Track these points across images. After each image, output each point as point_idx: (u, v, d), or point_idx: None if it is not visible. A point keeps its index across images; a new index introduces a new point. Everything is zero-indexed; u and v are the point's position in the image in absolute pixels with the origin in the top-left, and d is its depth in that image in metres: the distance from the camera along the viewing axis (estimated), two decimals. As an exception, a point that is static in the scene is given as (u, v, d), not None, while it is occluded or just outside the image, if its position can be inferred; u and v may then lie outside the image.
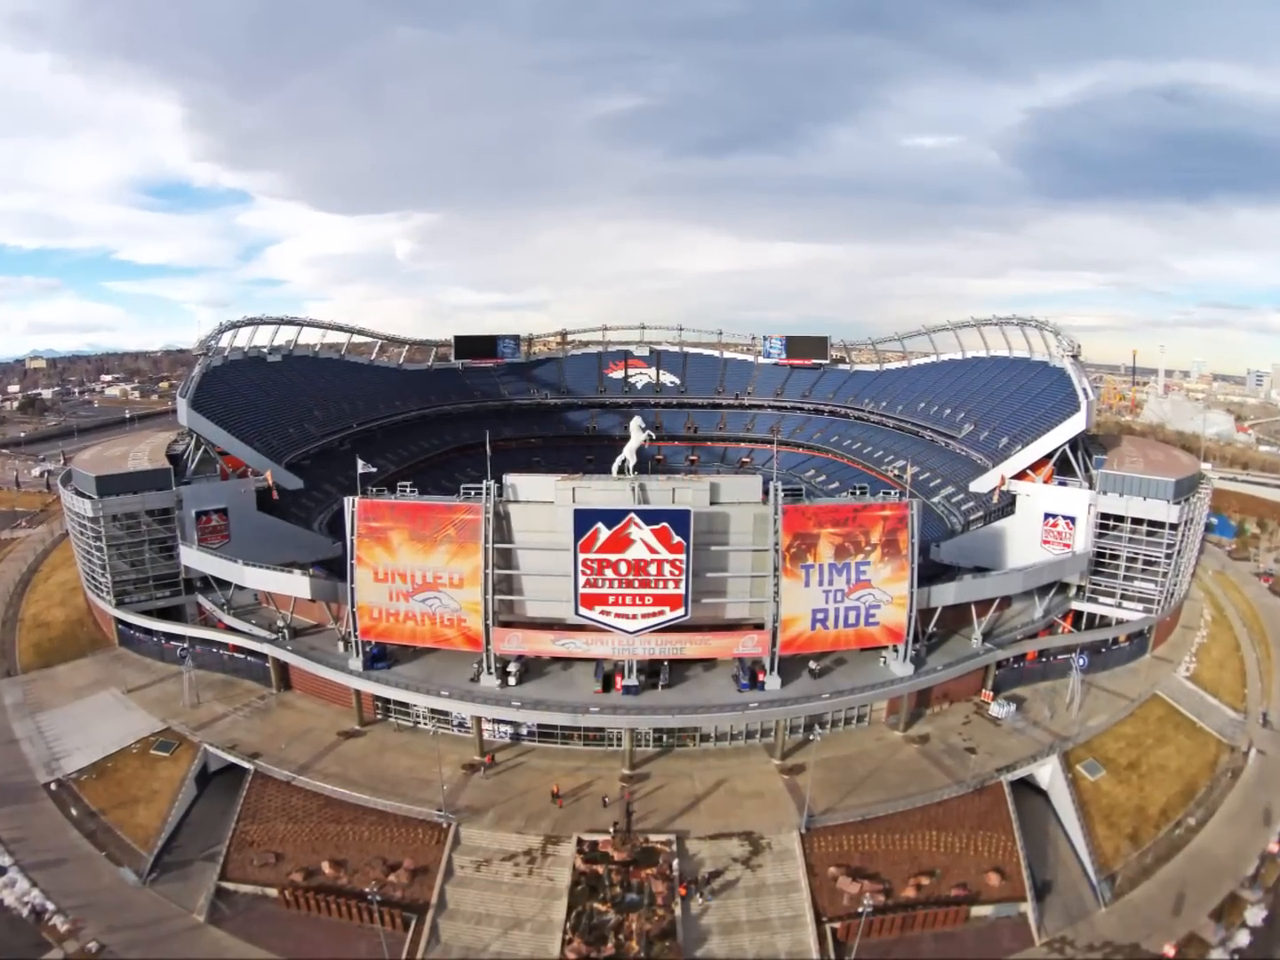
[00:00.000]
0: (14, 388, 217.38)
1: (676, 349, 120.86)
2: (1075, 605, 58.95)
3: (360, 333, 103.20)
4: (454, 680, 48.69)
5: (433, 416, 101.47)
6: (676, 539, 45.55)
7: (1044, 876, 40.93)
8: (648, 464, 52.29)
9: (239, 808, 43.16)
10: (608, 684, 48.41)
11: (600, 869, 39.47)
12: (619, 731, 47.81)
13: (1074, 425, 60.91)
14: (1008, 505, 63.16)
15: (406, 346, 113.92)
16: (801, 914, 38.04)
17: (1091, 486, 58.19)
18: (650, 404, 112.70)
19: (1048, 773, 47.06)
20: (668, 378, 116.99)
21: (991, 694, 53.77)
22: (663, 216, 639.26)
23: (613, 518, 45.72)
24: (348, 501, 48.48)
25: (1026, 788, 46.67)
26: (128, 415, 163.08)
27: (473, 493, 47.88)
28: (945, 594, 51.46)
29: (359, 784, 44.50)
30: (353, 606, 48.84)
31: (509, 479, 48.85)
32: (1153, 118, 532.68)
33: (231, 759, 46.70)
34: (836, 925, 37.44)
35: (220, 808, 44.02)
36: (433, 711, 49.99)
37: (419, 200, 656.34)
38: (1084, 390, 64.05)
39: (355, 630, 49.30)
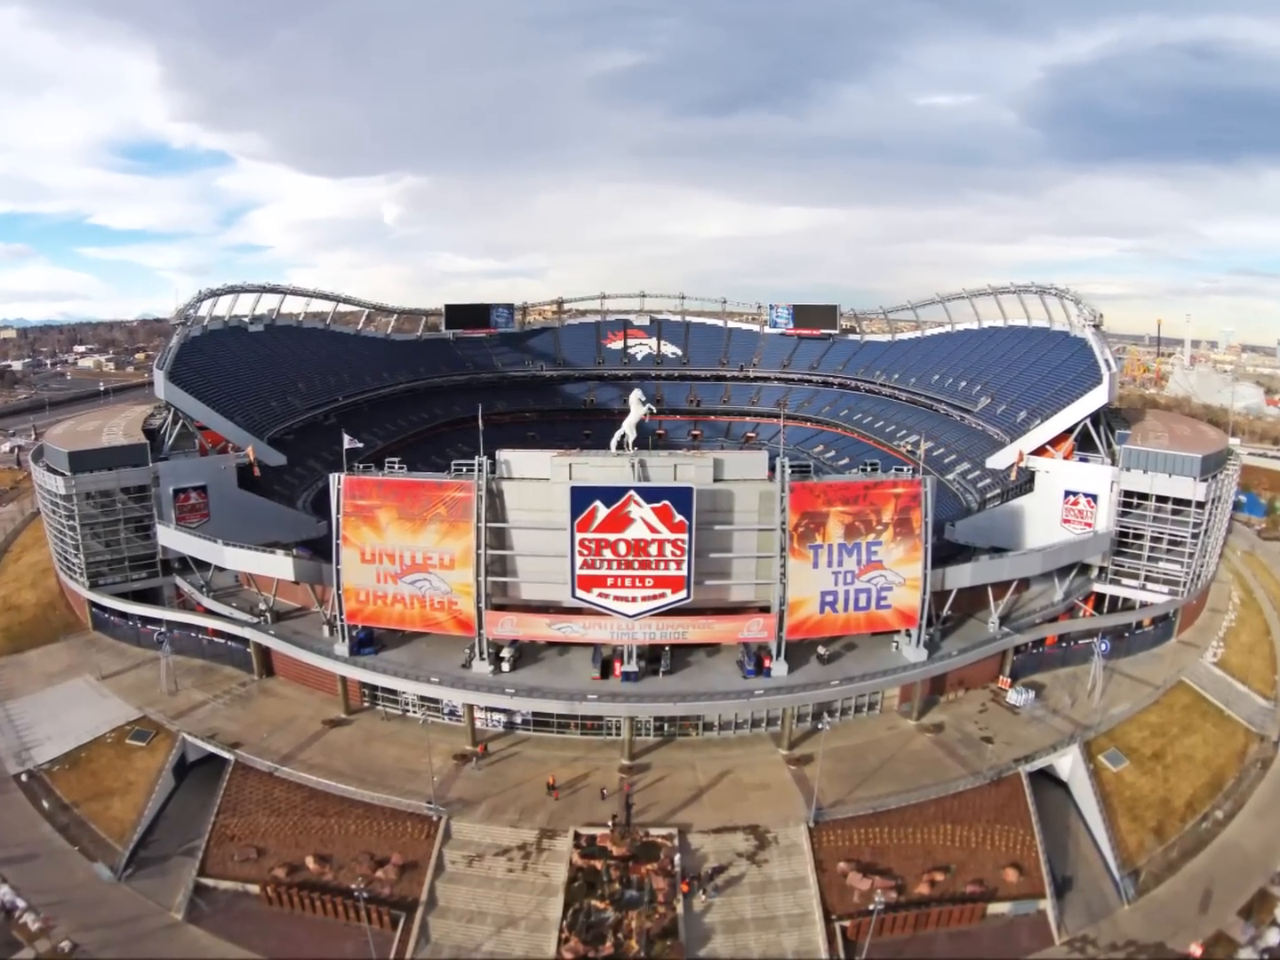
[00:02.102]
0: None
1: (678, 318, 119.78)
2: (1097, 588, 58.35)
3: (346, 301, 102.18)
4: (445, 666, 48.14)
5: (422, 389, 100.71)
6: (678, 518, 44.88)
7: (1064, 872, 40.59)
8: (648, 439, 51.69)
9: (219, 800, 42.74)
10: (606, 670, 47.92)
11: (598, 864, 39.07)
12: (618, 720, 47.33)
13: (1096, 399, 60.19)
14: (1026, 483, 62.41)
15: (395, 316, 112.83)
16: (809, 912, 37.71)
17: (1114, 463, 57.49)
18: (651, 376, 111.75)
19: (1068, 763, 46.59)
20: (669, 349, 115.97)
21: (1009, 681, 53.31)
22: (664, 179, 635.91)
23: (611, 495, 45.04)
24: (333, 479, 47.61)
25: (1046, 779, 46.27)
26: (102, 388, 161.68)
27: (464, 469, 47.03)
28: (960, 575, 50.80)
29: (345, 775, 44.08)
30: (338, 589, 48.18)
31: (502, 455, 48.13)
32: (1178, 75, 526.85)
33: (211, 749, 46.21)
34: (846, 923, 37.13)
35: (199, 800, 43.63)
36: (422, 699, 49.53)
37: (408, 162, 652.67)
38: (1106, 362, 63.18)
39: (341, 614, 48.63)
